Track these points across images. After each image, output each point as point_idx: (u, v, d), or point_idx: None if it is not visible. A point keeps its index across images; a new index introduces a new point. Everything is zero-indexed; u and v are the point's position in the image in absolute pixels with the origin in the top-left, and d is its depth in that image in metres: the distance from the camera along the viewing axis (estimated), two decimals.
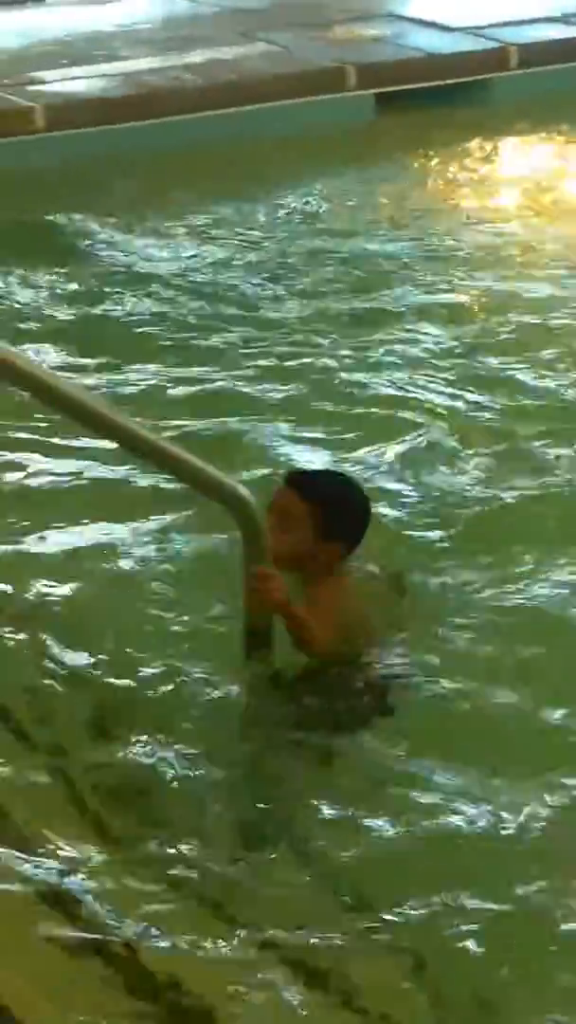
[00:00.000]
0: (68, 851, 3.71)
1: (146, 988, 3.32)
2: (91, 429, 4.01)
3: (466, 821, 3.81)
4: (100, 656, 4.42)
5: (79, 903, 3.54)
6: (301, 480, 4.34)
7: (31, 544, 4.97)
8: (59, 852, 3.71)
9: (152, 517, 5.07)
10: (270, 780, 4.05)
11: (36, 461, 5.50)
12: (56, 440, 5.53)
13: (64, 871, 3.64)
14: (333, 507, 4.23)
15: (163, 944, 3.43)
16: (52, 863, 3.66)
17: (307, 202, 8.35)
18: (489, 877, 3.64)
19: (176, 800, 3.91)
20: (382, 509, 4.96)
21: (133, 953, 3.40)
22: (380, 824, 3.82)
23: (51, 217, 8.00)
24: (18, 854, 3.68)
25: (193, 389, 6.09)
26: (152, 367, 6.28)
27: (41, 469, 5.44)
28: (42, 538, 5.01)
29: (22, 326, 6.68)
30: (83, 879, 3.61)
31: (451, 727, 4.17)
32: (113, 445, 4.53)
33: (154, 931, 3.46)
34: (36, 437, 5.58)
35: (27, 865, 3.65)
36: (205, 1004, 3.29)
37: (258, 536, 4.06)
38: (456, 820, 3.82)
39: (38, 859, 3.68)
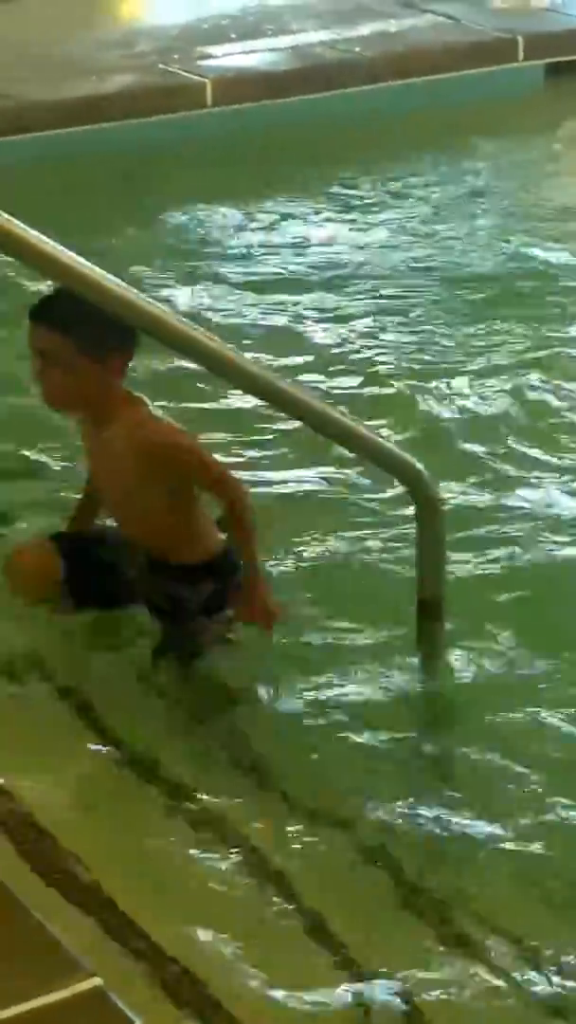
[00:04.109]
0: None
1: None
2: (278, 407, 4.02)
3: None
4: None
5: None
6: (40, 311, 4.11)
7: None
8: None
9: None
10: None
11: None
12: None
13: None
14: (86, 321, 3.94)
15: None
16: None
17: (477, 174, 8.30)
18: None
19: None
20: None
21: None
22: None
23: (223, 193, 8.00)
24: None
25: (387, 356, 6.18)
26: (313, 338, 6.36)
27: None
28: None
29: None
30: None
31: None
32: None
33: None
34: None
35: None
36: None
37: (435, 512, 4.06)
38: None
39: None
